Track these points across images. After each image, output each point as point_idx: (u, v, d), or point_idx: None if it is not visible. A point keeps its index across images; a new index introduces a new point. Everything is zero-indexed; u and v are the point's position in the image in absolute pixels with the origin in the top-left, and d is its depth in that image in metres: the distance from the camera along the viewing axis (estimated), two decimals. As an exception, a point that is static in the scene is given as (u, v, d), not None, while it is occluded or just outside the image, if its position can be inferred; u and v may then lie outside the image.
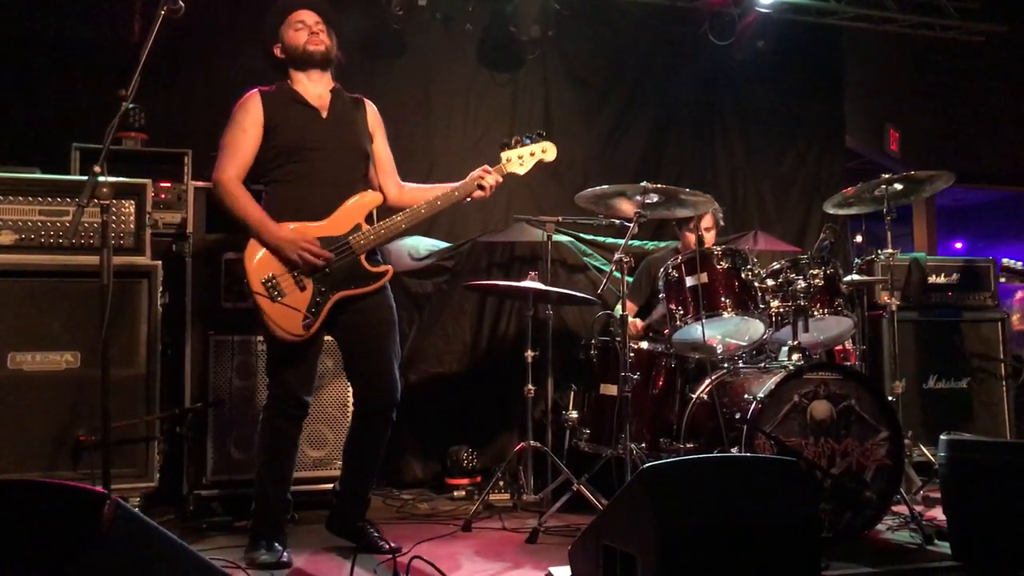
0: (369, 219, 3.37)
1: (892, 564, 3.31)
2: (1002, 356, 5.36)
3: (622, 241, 3.91)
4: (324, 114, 3.40)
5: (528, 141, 3.51)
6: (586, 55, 5.98)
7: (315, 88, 3.43)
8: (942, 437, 3.35)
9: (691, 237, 4.56)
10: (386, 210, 3.49)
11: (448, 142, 5.60)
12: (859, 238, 5.58)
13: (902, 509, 3.81)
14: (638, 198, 3.94)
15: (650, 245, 5.53)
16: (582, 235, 5.44)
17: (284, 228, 3.21)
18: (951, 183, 4.21)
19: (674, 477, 2.66)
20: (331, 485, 4.00)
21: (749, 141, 6.31)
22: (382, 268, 3.37)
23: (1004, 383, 5.35)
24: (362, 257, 3.30)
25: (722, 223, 4.78)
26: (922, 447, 4.66)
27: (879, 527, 3.74)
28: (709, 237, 4.70)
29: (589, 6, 5.86)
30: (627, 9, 5.93)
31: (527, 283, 4.32)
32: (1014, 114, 8.00)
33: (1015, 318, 10.15)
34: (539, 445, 4.31)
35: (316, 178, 3.32)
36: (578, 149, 5.86)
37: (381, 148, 3.58)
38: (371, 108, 3.58)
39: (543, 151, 3.52)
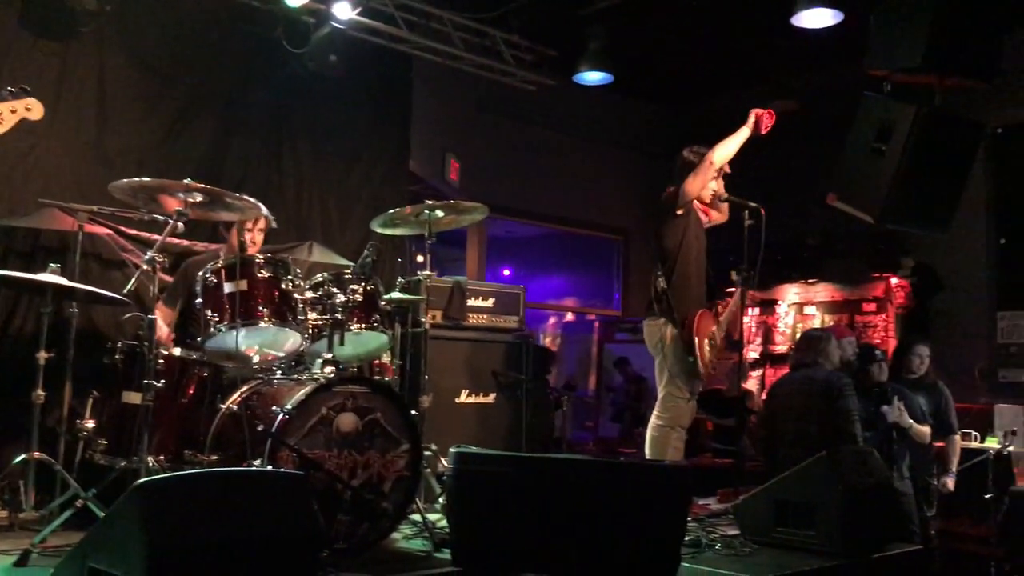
0: None
1: (396, 573, 3.46)
2: (523, 375, 5.91)
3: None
4: None
5: (8, 95, 3.19)
6: (150, 38, 5.54)
7: None
8: (451, 449, 3.58)
9: (236, 240, 4.44)
10: None
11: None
12: (420, 258, 5.86)
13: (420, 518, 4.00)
14: (181, 195, 3.76)
15: (200, 247, 5.28)
16: (123, 229, 5.04)
17: None
18: (486, 215, 4.58)
19: (170, 493, 2.54)
20: None
21: (318, 152, 6.31)
22: None
23: (524, 400, 5.92)
24: None
25: (274, 224, 4.70)
26: (443, 459, 4.96)
27: (395, 536, 3.90)
28: (261, 239, 4.63)
29: (156, -14, 5.50)
30: (198, -2, 5.65)
31: (45, 276, 3.89)
32: (558, 159, 8.98)
33: (548, 340, 11.42)
34: (44, 456, 3.89)
35: None
36: (134, 136, 5.43)
37: None
38: None
39: (27, 108, 3.24)
